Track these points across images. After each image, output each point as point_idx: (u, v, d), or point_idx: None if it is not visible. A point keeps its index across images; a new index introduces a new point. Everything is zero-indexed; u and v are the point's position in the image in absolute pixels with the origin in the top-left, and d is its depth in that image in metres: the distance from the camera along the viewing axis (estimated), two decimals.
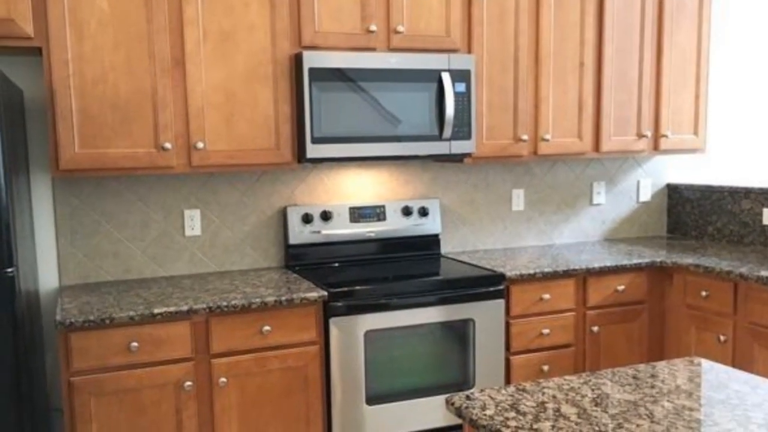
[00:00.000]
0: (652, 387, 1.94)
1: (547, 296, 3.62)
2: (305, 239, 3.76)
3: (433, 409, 3.41)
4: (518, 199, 4.35)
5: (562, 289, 3.67)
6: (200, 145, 3.23)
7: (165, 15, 3.15)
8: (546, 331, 3.63)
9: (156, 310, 2.91)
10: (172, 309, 2.94)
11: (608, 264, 3.74)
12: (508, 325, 3.58)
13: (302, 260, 3.78)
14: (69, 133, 3.05)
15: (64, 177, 3.30)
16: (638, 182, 4.69)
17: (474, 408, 1.82)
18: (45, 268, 3.44)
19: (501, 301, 3.51)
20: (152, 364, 2.96)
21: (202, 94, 3.24)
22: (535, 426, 1.69)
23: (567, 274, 3.65)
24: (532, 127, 3.90)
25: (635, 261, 3.81)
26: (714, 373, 2.04)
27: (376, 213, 3.89)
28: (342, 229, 3.83)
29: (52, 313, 3.46)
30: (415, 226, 3.98)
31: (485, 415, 1.77)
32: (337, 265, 3.81)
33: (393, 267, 3.75)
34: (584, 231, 4.57)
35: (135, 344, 2.89)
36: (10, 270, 2.58)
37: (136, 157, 3.16)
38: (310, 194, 3.87)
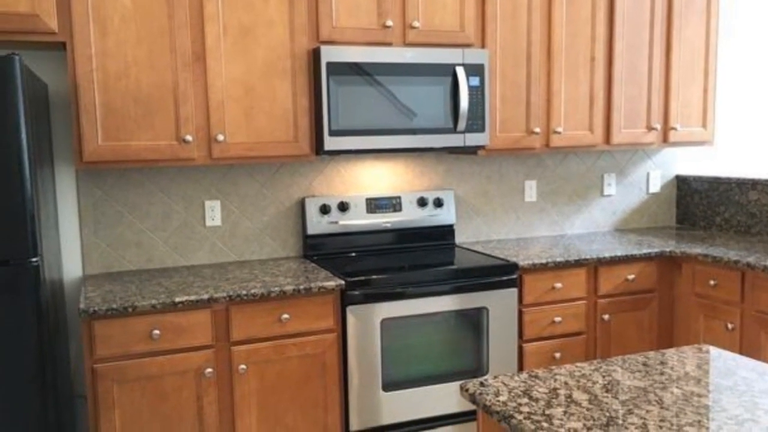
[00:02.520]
0: (662, 374, 1.96)
1: (559, 285, 3.67)
2: (323, 229, 3.81)
3: (448, 395, 3.45)
4: (531, 190, 4.39)
5: (573, 278, 3.71)
6: (220, 137, 3.28)
7: (186, 11, 3.19)
8: (558, 319, 3.68)
9: (177, 299, 2.95)
10: (193, 297, 2.98)
11: (619, 254, 3.78)
12: (520, 314, 3.62)
13: (320, 250, 3.83)
14: (92, 126, 3.09)
15: (87, 169, 3.33)
16: (648, 174, 4.73)
17: (488, 394, 1.83)
18: (69, 258, 3.49)
19: (514, 290, 3.55)
20: (174, 351, 2.99)
21: (222, 88, 3.28)
22: (547, 412, 1.71)
23: (578, 263, 3.69)
24: (544, 120, 3.94)
25: (645, 251, 3.84)
26: (722, 361, 2.05)
27: (392, 204, 3.94)
28: (359, 219, 3.88)
29: (75, 302, 3.50)
30: (430, 217, 4.03)
31: (498, 401, 1.79)
32: (354, 254, 3.86)
33: (408, 257, 3.78)
34: (595, 221, 4.62)
35: (157, 332, 2.93)
36: (35, 259, 2.61)
37: (158, 150, 3.20)
38: (328, 186, 3.92)
